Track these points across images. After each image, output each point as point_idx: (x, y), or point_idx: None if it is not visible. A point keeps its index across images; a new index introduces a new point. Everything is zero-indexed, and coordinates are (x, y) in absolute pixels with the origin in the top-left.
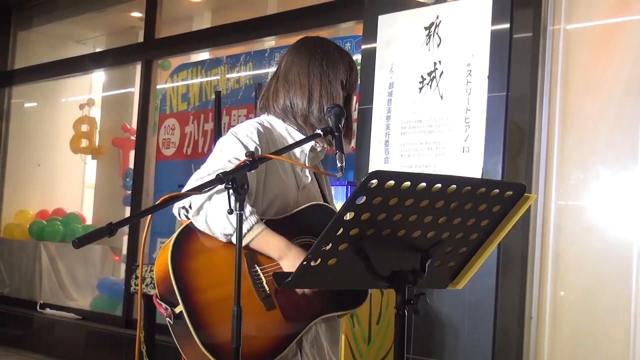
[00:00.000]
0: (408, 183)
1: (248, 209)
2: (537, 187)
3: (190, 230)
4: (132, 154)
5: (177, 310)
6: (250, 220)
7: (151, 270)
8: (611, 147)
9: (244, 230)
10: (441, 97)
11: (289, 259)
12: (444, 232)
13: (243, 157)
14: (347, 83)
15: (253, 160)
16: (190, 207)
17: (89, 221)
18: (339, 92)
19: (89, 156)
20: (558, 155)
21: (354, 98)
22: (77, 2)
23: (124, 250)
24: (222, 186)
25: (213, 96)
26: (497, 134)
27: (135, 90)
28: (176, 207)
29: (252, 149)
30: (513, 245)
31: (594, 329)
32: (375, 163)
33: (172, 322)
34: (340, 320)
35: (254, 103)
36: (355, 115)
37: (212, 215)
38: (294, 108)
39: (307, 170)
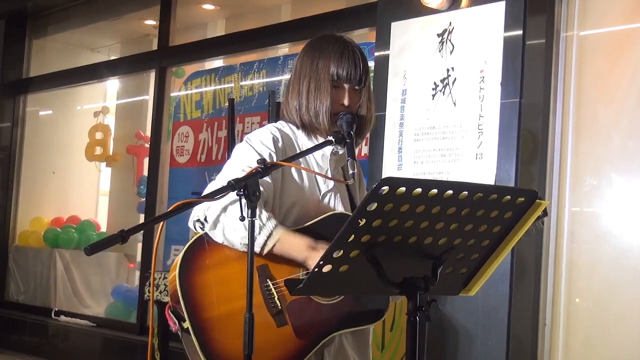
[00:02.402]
0: (419, 189)
1: (264, 215)
2: (550, 193)
3: (201, 242)
4: (146, 161)
5: (185, 326)
6: (268, 226)
7: (165, 277)
8: (625, 154)
9: (263, 238)
10: (454, 103)
11: (315, 259)
12: (456, 239)
13: (255, 165)
14: (336, 74)
15: (265, 167)
16: (206, 220)
17: (103, 228)
18: (327, 87)
19: (104, 164)
20: (571, 162)
21: (365, 93)
22: (91, 11)
23: (138, 258)
24: (234, 194)
25: (227, 103)
26: (510, 140)
27: (150, 97)
28: (191, 221)
29: (265, 156)
30: (527, 251)
31: (608, 336)
32: (389, 170)
33: (181, 336)
34: (370, 330)
35: (267, 110)
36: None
37: (229, 226)
38: (295, 111)
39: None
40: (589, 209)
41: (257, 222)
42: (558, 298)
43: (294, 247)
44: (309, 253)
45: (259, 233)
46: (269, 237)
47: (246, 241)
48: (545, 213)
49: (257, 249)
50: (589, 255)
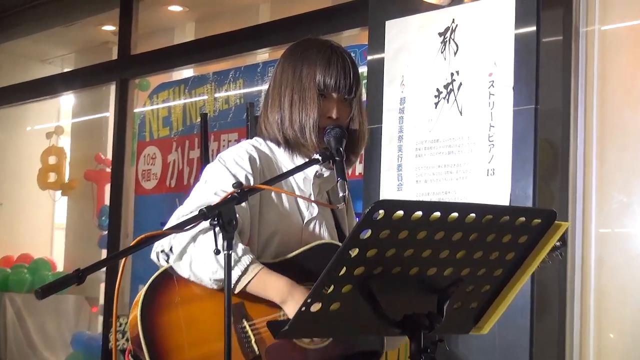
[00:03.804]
0: (420, 213)
1: (240, 247)
2: (574, 213)
3: (167, 277)
4: (107, 188)
5: None
6: (243, 261)
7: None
8: None
9: (237, 274)
10: (460, 112)
11: (295, 301)
12: (464, 269)
13: (231, 189)
14: (323, 83)
15: (242, 192)
16: (171, 250)
17: (60, 267)
18: (313, 98)
19: (59, 192)
20: (597, 177)
21: (357, 104)
22: (41, 16)
23: (102, 300)
24: (207, 223)
25: (199, 119)
26: (525, 153)
27: (110, 114)
28: (154, 252)
29: (241, 178)
30: (549, 280)
31: None
32: (387, 191)
33: None
34: None
35: (245, 125)
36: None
37: (198, 259)
38: (276, 126)
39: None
40: (619, 229)
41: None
42: (586, 332)
43: (272, 287)
44: (289, 295)
45: (233, 268)
46: (243, 273)
47: (217, 277)
48: (564, 242)
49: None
50: (620, 282)
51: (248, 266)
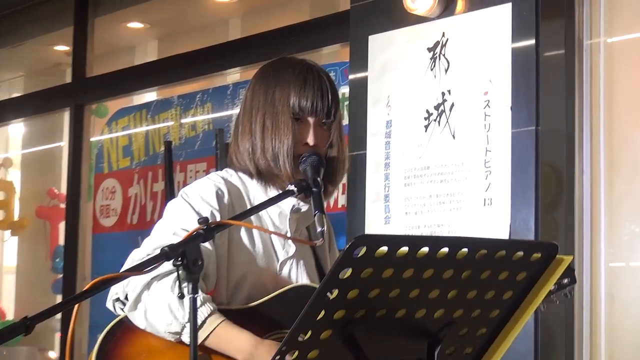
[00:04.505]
0: (406, 249)
1: (199, 298)
2: (581, 246)
3: (123, 327)
4: (62, 226)
5: None
6: (202, 312)
7: None
8: None
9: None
10: (453, 136)
11: (259, 358)
12: (456, 310)
13: (195, 226)
14: (298, 106)
15: (208, 228)
16: (126, 298)
17: (9, 316)
18: (287, 123)
19: (8, 232)
20: (606, 205)
21: (336, 129)
22: None
23: (56, 352)
24: (162, 268)
25: (162, 148)
26: (526, 180)
27: (64, 144)
28: (110, 300)
29: (206, 215)
30: (554, 319)
31: None
32: (373, 224)
33: None
34: None
35: (214, 154)
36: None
37: (153, 308)
38: (247, 155)
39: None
40: (632, 262)
41: (187, 303)
42: None
43: (233, 343)
44: (250, 353)
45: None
46: (200, 326)
47: (172, 329)
48: (572, 279)
49: (185, 337)
50: (633, 320)
51: (205, 319)
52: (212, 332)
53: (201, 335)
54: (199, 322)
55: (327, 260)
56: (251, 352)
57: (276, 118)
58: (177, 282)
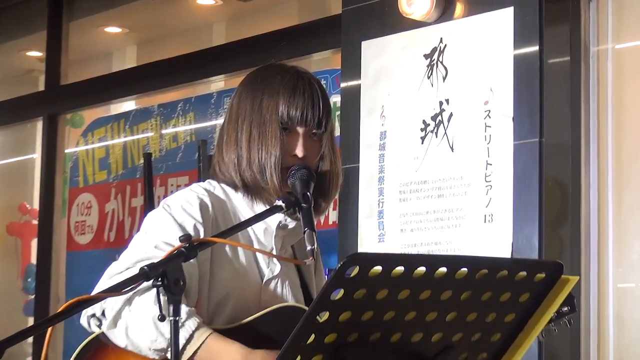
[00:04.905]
0: (401, 268)
1: (184, 310)
2: (587, 265)
3: (99, 345)
4: (34, 244)
5: None
6: (188, 326)
7: None
8: None
9: (182, 342)
10: (451, 148)
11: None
12: (455, 334)
13: (177, 242)
14: (287, 115)
15: (191, 246)
16: (103, 315)
17: None
18: (275, 133)
19: None
20: (614, 222)
21: (327, 140)
22: None
23: None
24: (148, 284)
25: (142, 161)
26: (529, 195)
27: (37, 156)
28: (84, 316)
29: (189, 228)
30: (560, 343)
31: None
32: (367, 242)
33: None
34: None
35: (197, 167)
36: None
37: (135, 325)
38: (233, 167)
39: (274, 258)
40: None
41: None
42: None
43: (224, 354)
44: (245, 356)
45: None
46: (188, 341)
47: (157, 346)
48: (572, 308)
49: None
50: None
51: (193, 332)
52: (201, 345)
53: (190, 350)
54: (187, 336)
55: (312, 281)
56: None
57: (263, 127)
58: (158, 305)
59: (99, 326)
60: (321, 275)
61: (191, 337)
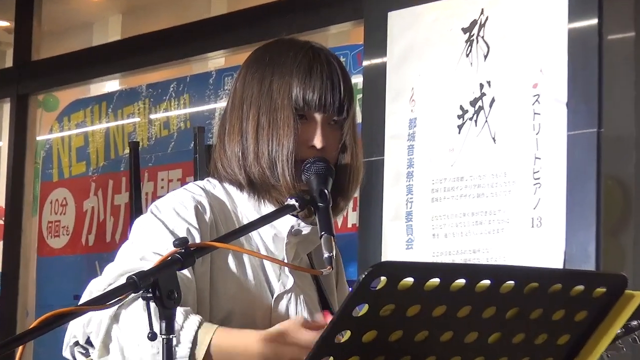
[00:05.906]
0: (437, 280)
1: (180, 312)
2: None
3: None
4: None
5: None
6: (188, 327)
7: None
8: None
9: (186, 350)
10: (493, 139)
11: (278, 347)
12: (499, 358)
13: (169, 249)
14: (302, 99)
15: (187, 252)
16: (88, 342)
17: None
18: (289, 120)
19: None
20: None
21: (349, 129)
22: None
23: None
24: (135, 295)
25: (127, 150)
26: (585, 195)
27: (3, 144)
28: (67, 346)
29: (182, 234)
30: None
31: None
32: (392, 249)
33: None
34: None
35: (192, 159)
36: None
37: (130, 343)
38: (236, 161)
39: (286, 268)
40: None
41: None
42: None
43: (239, 347)
44: (262, 341)
45: (177, 344)
46: (193, 343)
47: (160, 359)
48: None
49: None
50: None
51: (197, 329)
52: (212, 337)
53: (201, 349)
54: (190, 337)
55: (334, 295)
56: (262, 339)
57: (274, 114)
58: (149, 320)
59: (85, 354)
60: (343, 288)
61: (195, 336)
